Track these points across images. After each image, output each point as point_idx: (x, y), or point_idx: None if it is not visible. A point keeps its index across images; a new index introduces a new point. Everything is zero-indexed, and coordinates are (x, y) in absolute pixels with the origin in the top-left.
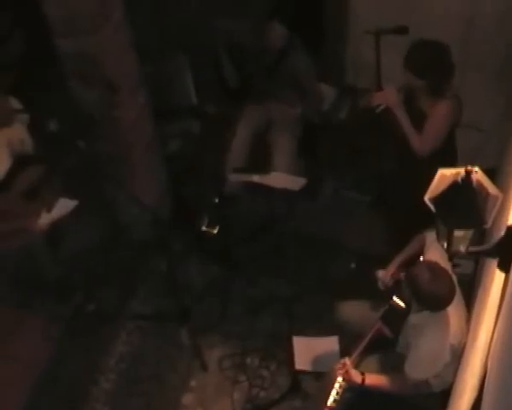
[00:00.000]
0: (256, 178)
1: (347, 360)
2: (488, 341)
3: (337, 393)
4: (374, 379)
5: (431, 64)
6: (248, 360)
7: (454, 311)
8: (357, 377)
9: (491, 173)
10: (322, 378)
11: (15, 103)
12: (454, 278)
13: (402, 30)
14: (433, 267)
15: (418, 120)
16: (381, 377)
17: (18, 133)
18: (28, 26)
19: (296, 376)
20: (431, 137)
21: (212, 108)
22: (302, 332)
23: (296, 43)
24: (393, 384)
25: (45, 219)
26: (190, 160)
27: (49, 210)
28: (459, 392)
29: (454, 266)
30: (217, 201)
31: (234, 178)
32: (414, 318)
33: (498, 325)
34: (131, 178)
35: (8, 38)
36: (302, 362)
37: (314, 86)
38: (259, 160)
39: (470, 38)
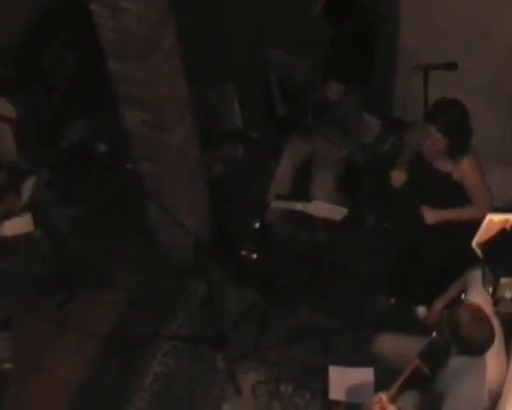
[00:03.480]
0: (298, 206)
1: (384, 396)
2: None
3: None
4: None
5: (458, 123)
6: (282, 388)
7: (493, 356)
8: None
9: None
10: None
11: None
12: (496, 322)
13: (451, 66)
14: (474, 311)
15: (442, 182)
16: None
17: None
18: (81, 48)
19: (329, 406)
20: (482, 196)
21: (257, 134)
22: (338, 364)
23: (350, 94)
24: None
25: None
26: (233, 184)
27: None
28: None
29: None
30: (257, 227)
31: (276, 205)
32: (454, 361)
33: None
34: (175, 200)
35: (60, 59)
36: (336, 392)
37: (359, 129)
38: (302, 189)
39: None
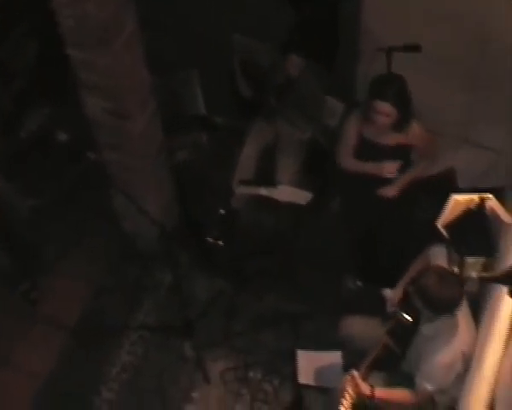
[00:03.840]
0: (263, 191)
1: (355, 373)
2: (495, 368)
3: (345, 406)
4: (383, 393)
5: (405, 93)
6: (251, 374)
7: (463, 318)
8: (366, 389)
9: (500, 193)
10: (328, 394)
11: None
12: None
13: (414, 48)
14: (438, 271)
15: (395, 155)
16: (391, 391)
17: None
18: (43, 35)
19: (299, 390)
20: (433, 146)
21: (220, 120)
22: (306, 348)
23: (310, 69)
24: (402, 399)
25: None
26: (198, 171)
27: None
28: None
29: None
30: (223, 213)
31: (241, 190)
32: (425, 328)
33: (509, 355)
34: (139, 188)
35: (21, 46)
36: (305, 376)
37: (322, 111)
38: (267, 173)
39: (484, 56)
